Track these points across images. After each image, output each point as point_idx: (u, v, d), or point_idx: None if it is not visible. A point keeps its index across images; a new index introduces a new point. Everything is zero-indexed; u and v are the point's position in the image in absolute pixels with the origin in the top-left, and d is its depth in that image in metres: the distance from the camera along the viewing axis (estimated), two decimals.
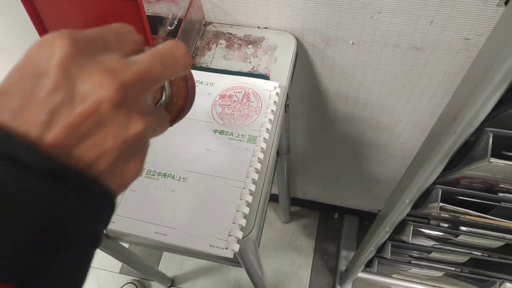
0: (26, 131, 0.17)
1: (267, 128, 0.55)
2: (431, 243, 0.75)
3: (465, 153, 0.46)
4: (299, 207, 1.54)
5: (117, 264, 1.48)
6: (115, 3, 0.56)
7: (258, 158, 0.52)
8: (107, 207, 0.21)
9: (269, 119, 0.56)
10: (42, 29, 0.63)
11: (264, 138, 0.54)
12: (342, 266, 1.35)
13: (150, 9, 0.70)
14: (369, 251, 0.87)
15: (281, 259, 1.45)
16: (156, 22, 0.68)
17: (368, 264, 0.99)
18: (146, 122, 0.21)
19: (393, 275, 1.11)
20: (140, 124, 0.21)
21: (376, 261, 0.95)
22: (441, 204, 0.54)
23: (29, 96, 0.18)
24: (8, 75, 0.19)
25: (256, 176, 0.51)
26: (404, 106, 0.79)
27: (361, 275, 1.14)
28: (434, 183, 0.55)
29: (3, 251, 0.16)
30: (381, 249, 0.85)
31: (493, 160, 0.40)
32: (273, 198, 1.41)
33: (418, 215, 0.68)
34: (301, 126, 0.98)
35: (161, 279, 1.38)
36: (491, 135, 0.40)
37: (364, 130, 0.92)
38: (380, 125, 0.88)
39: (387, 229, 0.72)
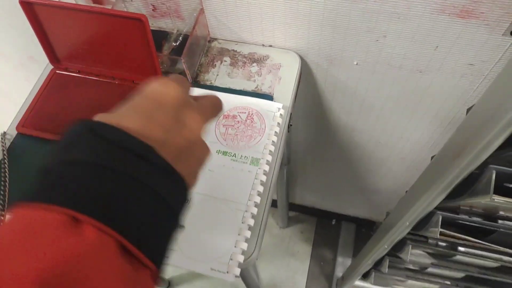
0: (149, 141, 0.25)
1: (270, 151, 0.55)
2: (428, 260, 0.75)
3: (467, 184, 0.47)
4: (297, 212, 1.55)
5: None
6: (121, 22, 0.55)
7: (261, 181, 0.53)
8: (184, 191, 0.27)
9: (272, 141, 0.56)
10: (46, 42, 0.63)
11: (267, 160, 0.54)
12: (339, 273, 1.36)
13: (155, 23, 0.70)
14: (366, 264, 0.88)
15: (278, 264, 1.46)
16: (161, 37, 0.68)
17: (365, 275, 1.00)
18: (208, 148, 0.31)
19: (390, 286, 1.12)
20: (208, 150, 0.30)
21: (373, 273, 0.95)
22: (441, 230, 0.54)
23: (151, 117, 0.26)
24: (134, 99, 0.27)
25: (258, 200, 0.52)
26: (406, 124, 0.79)
27: (358, 283, 1.15)
28: (435, 208, 0.56)
29: (126, 207, 0.22)
30: (378, 262, 0.86)
31: (495, 197, 0.40)
32: (272, 203, 1.41)
33: (417, 233, 0.69)
34: (302, 137, 0.99)
35: None
36: (494, 172, 0.41)
37: (366, 144, 0.92)
38: (382, 140, 0.88)
39: (386, 246, 0.73)
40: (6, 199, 0.50)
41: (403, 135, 0.84)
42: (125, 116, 0.26)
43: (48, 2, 0.57)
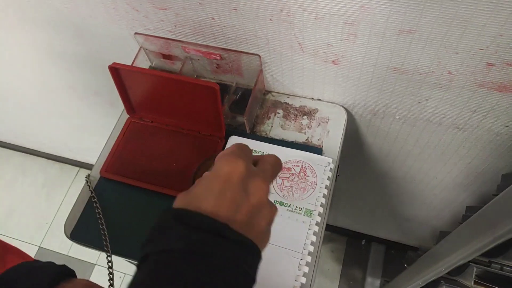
0: (224, 218, 0.30)
1: (321, 203, 0.62)
2: None
3: (502, 246, 0.53)
4: (328, 231, 1.61)
5: None
6: (195, 87, 0.64)
7: (314, 231, 0.60)
8: (259, 256, 0.32)
9: (324, 194, 0.63)
10: (125, 95, 0.72)
11: (319, 212, 0.62)
12: None
13: (216, 77, 0.79)
14: None
15: None
16: (221, 89, 0.76)
17: None
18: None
19: None
20: (274, 208, 0.35)
21: None
22: (475, 279, 0.60)
23: (223, 195, 0.31)
24: (207, 179, 0.32)
25: (312, 248, 0.59)
26: (441, 168, 0.85)
27: None
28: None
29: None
30: None
31: None
32: None
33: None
34: (340, 170, 1.05)
35: None
36: None
37: (401, 181, 0.98)
38: (417, 178, 0.94)
39: (420, 283, 0.79)
40: (107, 238, 0.60)
41: (437, 176, 0.89)
42: (202, 198, 0.31)
43: (132, 68, 0.66)
